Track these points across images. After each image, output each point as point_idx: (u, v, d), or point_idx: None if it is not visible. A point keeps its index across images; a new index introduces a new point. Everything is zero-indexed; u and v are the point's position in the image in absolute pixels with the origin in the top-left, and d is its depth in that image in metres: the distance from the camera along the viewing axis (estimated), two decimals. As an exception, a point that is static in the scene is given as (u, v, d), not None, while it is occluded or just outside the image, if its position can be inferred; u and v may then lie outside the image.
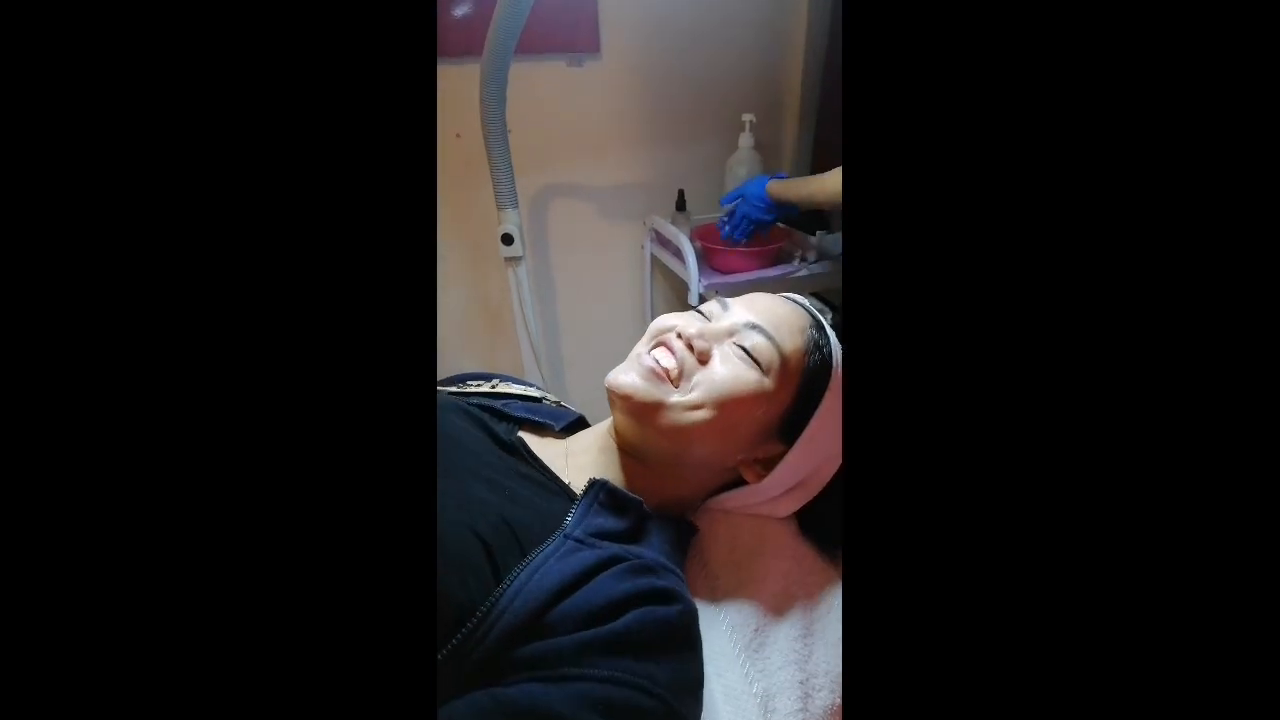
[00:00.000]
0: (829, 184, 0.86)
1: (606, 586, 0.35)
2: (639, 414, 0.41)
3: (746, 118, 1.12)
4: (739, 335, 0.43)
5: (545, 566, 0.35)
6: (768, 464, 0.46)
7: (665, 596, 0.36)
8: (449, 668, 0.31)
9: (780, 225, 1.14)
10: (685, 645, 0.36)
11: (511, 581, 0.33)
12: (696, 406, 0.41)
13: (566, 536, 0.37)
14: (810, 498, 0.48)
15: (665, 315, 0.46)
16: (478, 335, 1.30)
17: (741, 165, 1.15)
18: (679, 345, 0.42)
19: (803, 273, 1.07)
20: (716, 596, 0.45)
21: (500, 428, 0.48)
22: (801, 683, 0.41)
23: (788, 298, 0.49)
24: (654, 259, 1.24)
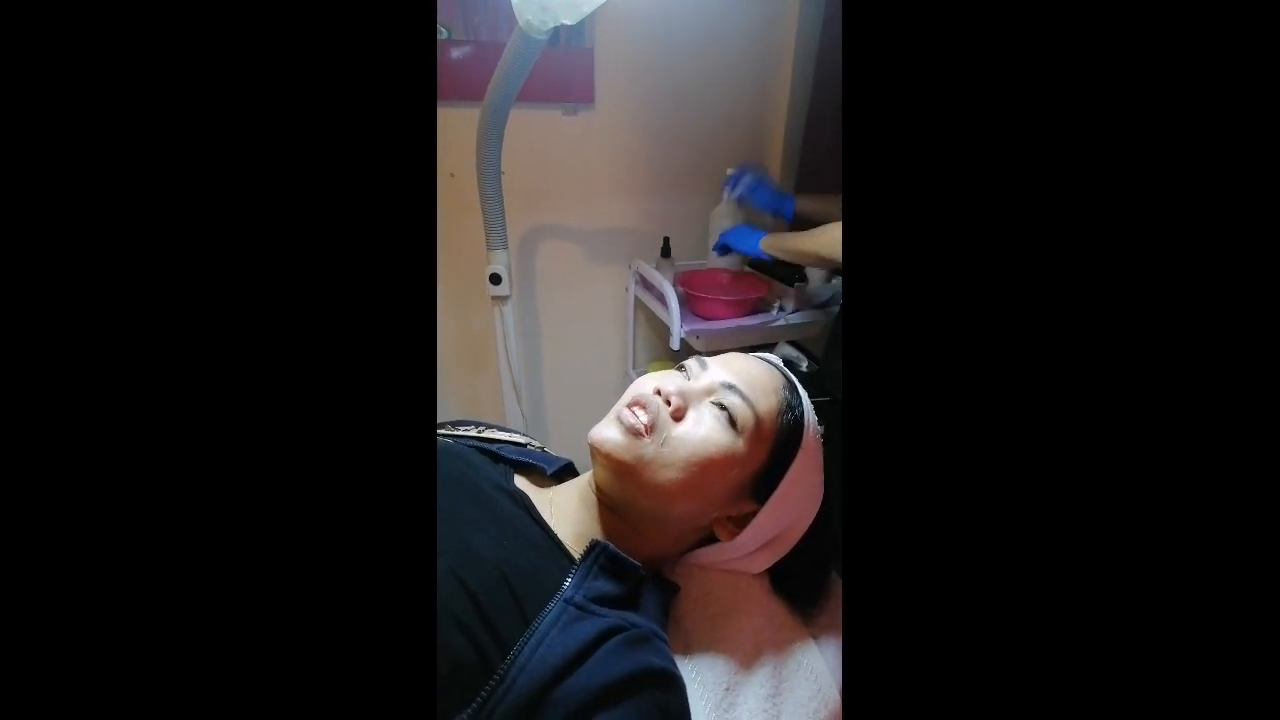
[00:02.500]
0: (811, 241, 0.89)
1: (609, 664, 0.36)
2: (620, 471, 0.43)
3: (731, 172, 1.17)
4: (716, 395, 0.45)
5: (549, 638, 0.36)
6: (740, 522, 0.47)
7: (665, 679, 0.38)
8: None
9: (760, 276, 1.18)
10: None
11: (516, 655, 0.34)
12: (672, 465, 0.42)
13: (567, 602, 0.38)
14: (782, 555, 0.50)
15: (646, 376, 0.48)
16: (461, 370, 1.30)
17: (725, 217, 1.19)
18: (656, 400, 0.44)
19: (781, 321, 1.10)
20: (689, 653, 0.45)
21: (497, 471, 0.49)
22: (770, 743, 0.42)
23: (762, 358, 0.51)
24: (637, 301, 1.27)
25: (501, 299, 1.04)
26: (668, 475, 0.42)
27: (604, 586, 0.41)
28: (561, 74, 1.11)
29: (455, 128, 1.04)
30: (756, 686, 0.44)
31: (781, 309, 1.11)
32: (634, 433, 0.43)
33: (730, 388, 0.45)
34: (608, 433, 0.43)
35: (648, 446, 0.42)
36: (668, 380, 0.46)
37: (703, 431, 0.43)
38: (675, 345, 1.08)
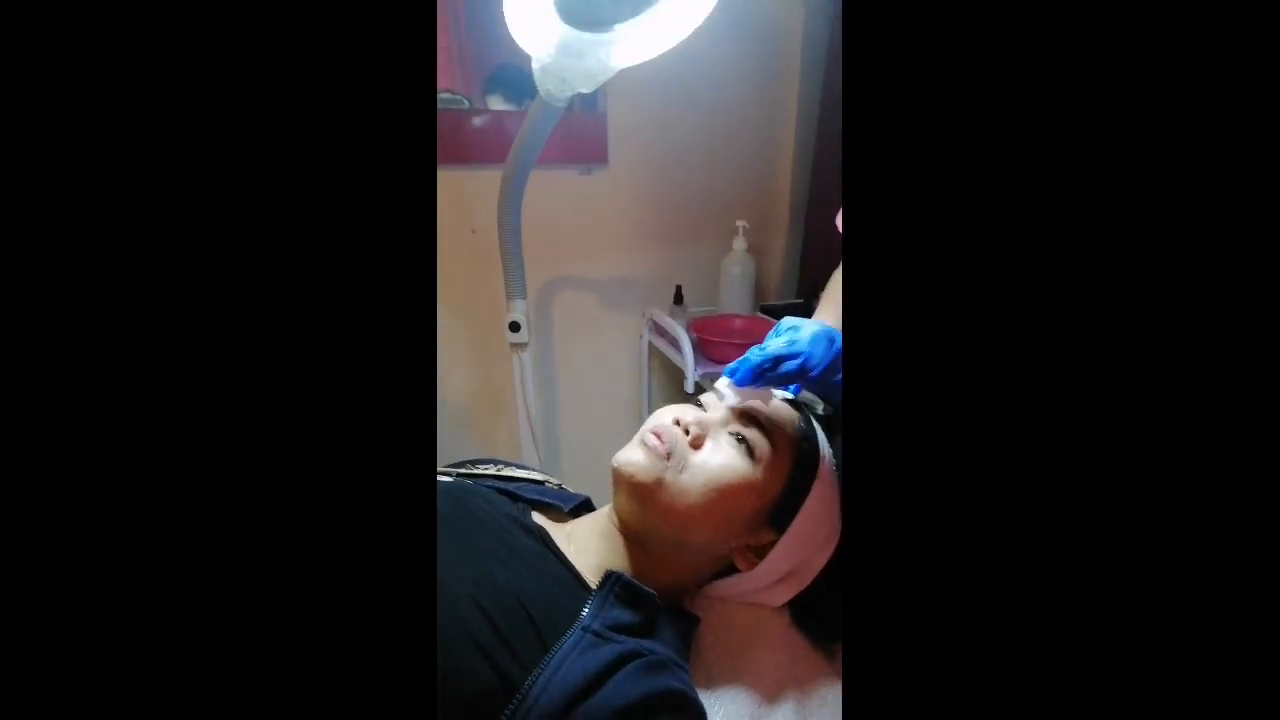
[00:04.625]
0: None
1: (626, 687, 0.37)
2: (641, 495, 0.44)
3: (740, 223, 1.23)
4: (733, 425, 0.47)
5: (568, 662, 0.37)
6: (760, 552, 0.48)
7: (684, 703, 0.38)
8: None
9: (771, 320, 1.21)
10: None
11: (536, 678, 0.35)
12: (690, 490, 0.44)
13: (585, 630, 0.39)
14: (802, 588, 0.50)
15: (665, 408, 0.50)
16: (480, 416, 1.33)
17: (735, 265, 1.23)
18: (674, 430, 0.46)
19: (793, 365, 1.12)
20: (712, 686, 0.45)
21: (516, 508, 0.50)
22: (795, 780, 0.41)
23: (776, 392, 0.53)
24: (651, 348, 1.30)
25: (520, 346, 1.08)
26: (686, 501, 0.44)
27: (620, 615, 0.41)
28: (577, 137, 1.18)
29: (478, 188, 1.11)
30: (780, 721, 0.43)
31: (793, 352, 1.13)
32: (656, 455, 0.44)
33: (747, 418, 0.47)
34: (630, 456, 0.45)
35: (667, 472, 0.44)
36: (686, 411, 0.48)
37: (721, 459, 0.45)
38: (689, 389, 1.10)
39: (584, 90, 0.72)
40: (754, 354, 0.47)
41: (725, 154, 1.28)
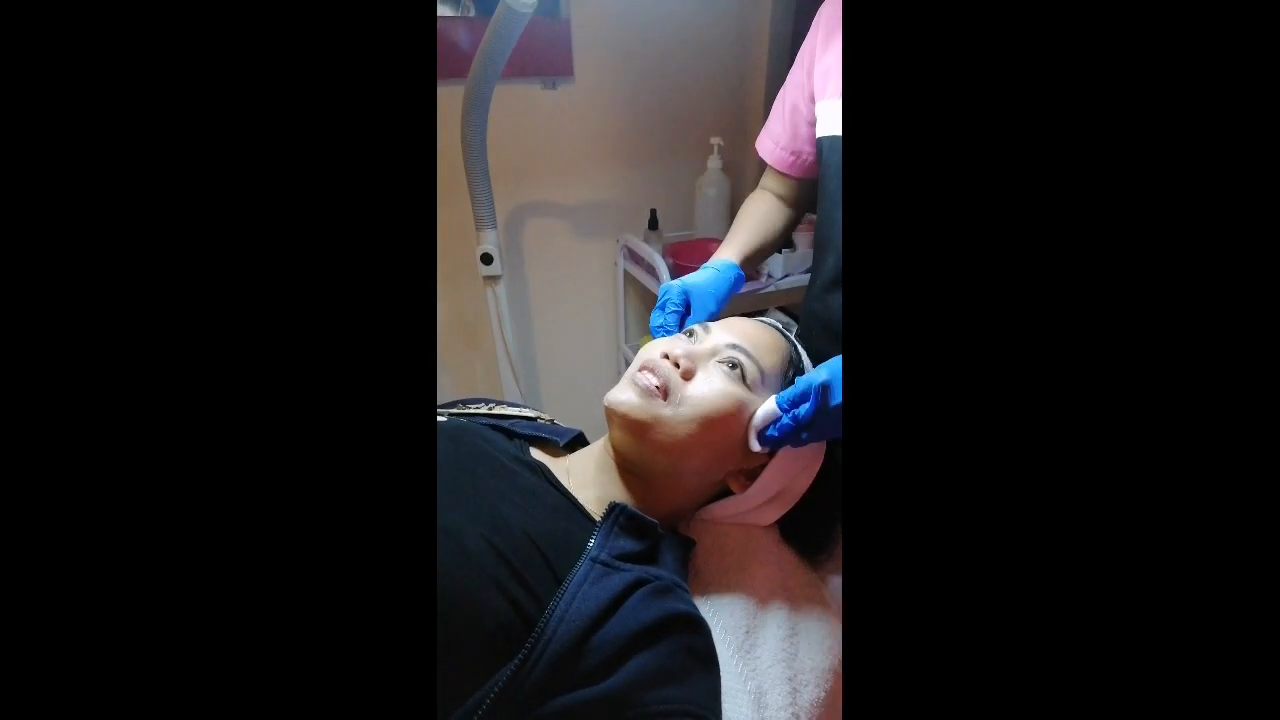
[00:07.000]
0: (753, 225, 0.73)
1: (639, 612, 0.38)
2: (636, 430, 0.45)
3: (715, 140, 1.17)
4: (722, 355, 0.47)
5: (580, 592, 0.38)
6: (751, 475, 0.50)
7: (691, 622, 0.40)
8: (507, 697, 0.34)
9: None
10: (710, 661, 0.41)
11: (553, 610, 0.37)
12: (687, 422, 0.44)
13: (594, 560, 0.40)
14: (790, 506, 0.52)
15: (654, 342, 0.49)
16: (453, 351, 1.30)
17: (711, 186, 1.20)
18: (664, 365, 0.46)
19: (771, 288, 1.12)
20: (709, 601, 0.48)
21: (513, 445, 0.50)
22: (790, 679, 0.44)
23: (763, 321, 0.53)
24: (627, 275, 1.28)
25: (494, 279, 1.04)
26: (683, 431, 0.44)
27: (625, 544, 0.43)
28: (539, 47, 1.09)
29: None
30: (774, 628, 0.46)
31: (770, 276, 1.13)
32: (648, 394, 0.44)
33: (735, 347, 0.47)
34: (623, 395, 0.45)
35: (664, 408, 0.44)
36: (675, 344, 0.48)
37: (714, 389, 0.45)
38: (668, 316, 1.09)
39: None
40: (781, 407, 0.45)
41: (698, 63, 1.20)
